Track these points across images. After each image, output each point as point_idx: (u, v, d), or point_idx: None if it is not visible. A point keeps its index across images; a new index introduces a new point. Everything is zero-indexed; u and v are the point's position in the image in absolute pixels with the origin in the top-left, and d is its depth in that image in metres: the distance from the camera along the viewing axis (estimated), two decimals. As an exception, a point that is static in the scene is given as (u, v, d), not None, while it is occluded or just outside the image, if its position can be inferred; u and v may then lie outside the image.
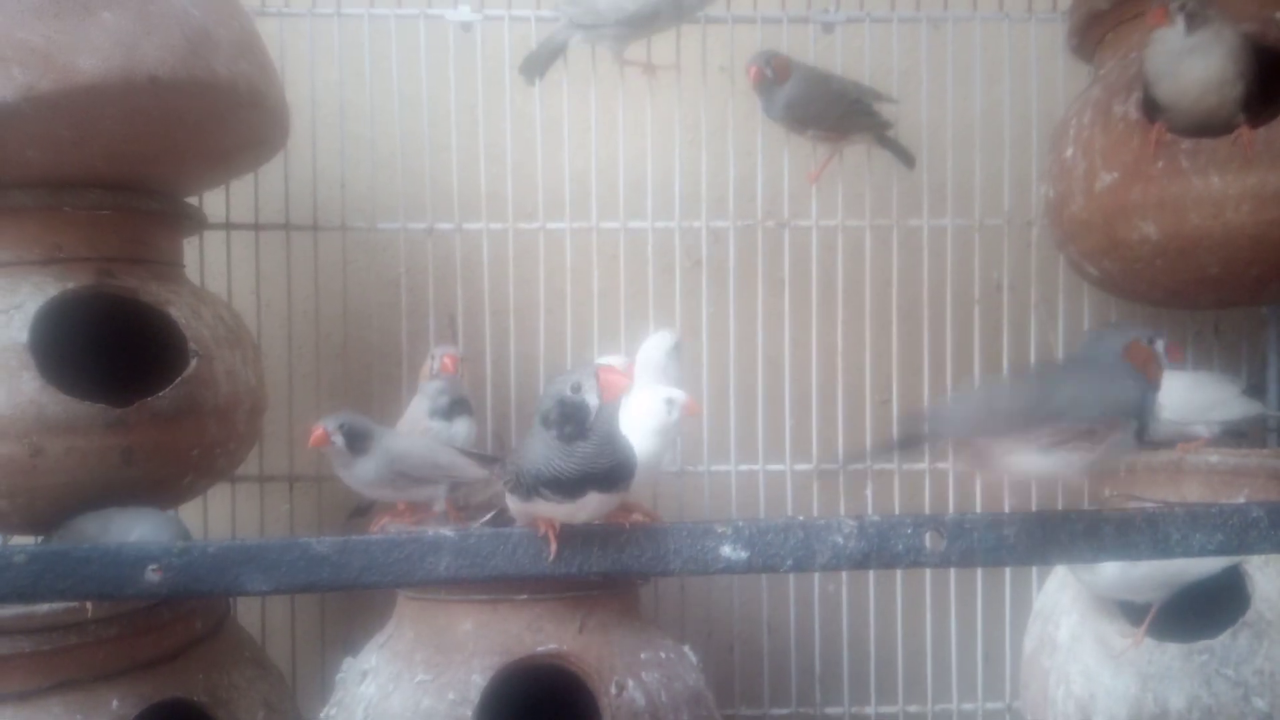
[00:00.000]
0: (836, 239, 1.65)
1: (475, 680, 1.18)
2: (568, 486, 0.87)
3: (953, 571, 1.64)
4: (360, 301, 1.68)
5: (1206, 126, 1.32)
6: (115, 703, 1.18)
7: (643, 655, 1.25)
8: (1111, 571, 1.27)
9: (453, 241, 1.63)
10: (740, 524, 0.86)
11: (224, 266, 1.60)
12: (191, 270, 1.49)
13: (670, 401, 1.27)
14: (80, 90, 1.13)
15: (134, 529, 1.19)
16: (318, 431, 1.28)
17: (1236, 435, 1.47)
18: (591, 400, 0.87)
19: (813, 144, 1.60)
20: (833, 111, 1.55)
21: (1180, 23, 1.30)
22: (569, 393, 0.88)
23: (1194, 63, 1.30)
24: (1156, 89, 1.34)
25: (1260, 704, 1.22)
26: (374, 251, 1.70)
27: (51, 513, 1.24)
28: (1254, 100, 1.32)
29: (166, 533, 1.20)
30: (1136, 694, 1.28)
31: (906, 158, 1.60)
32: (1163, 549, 0.89)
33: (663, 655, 1.28)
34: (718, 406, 1.63)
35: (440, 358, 1.41)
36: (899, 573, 1.65)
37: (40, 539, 1.27)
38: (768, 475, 1.65)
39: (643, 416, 1.27)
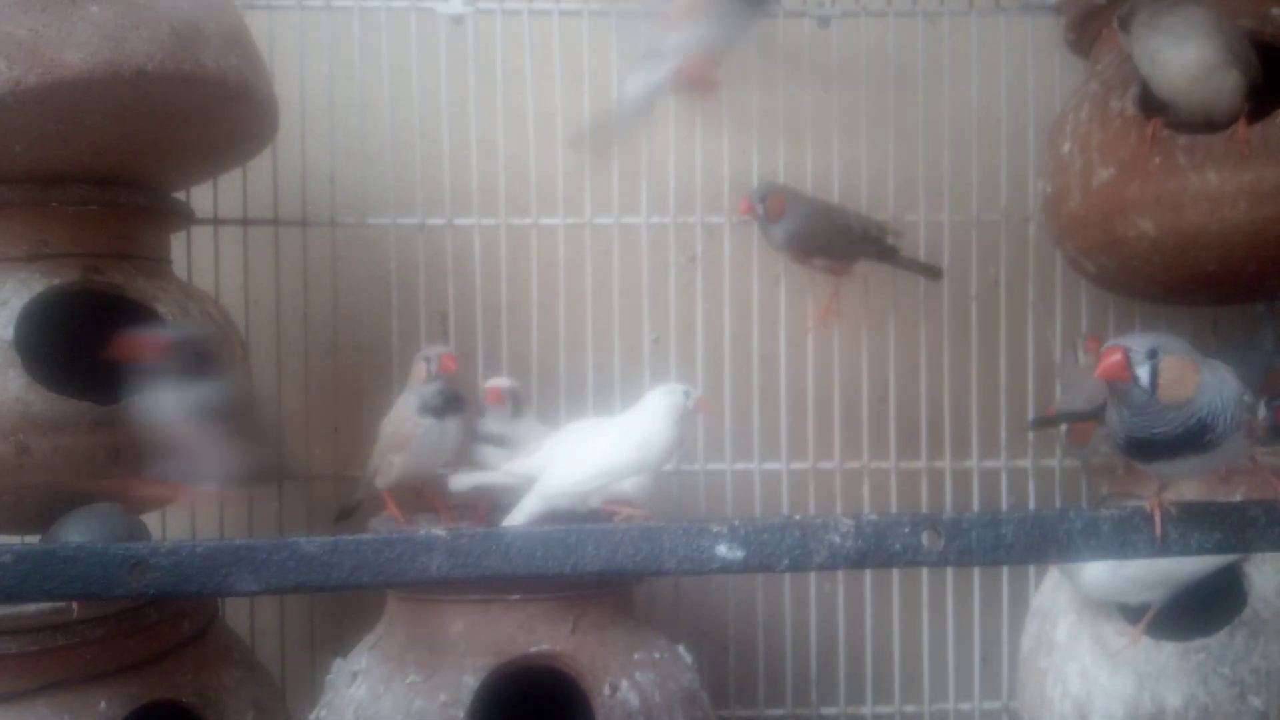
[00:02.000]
0: (832, 235, 1.65)
1: (467, 681, 1.18)
2: None
3: (950, 571, 1.64)
4: (350, 298, 1.67)
5: (1210, 120, 1.31)
6: (103, 704, 1.17)
7: (636, 655, 1.25)
8: (1100, 574, 1.27)
9: (444, 237, 1.62)
10: (736, 523, 0.85)
11: (211, 262, 1.58)
12: (179, 266, 1.48)
13: (687, 392, 1.31)
14: (67, 84, 1.12)
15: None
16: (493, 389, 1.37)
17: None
18: None
19: (816, 271, 1.59)
20: (838, 244, 1.54)
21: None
22: None
23: (1171, 52, 1.29)
24: (1151, 85, 1.33)
25: (1256, 702, 1.21)
26: (364, 247, 1.68)
27: (38, 512, 1.22)
28: (1261, 94, 1.31)
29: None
30: (1133, 693, 1.27)
31: (932, 272, 1.59)
32: (1161, 547, 0.88)
33: (657, 655, 1.27)
34: (713, 405, 1.60)
35: (438, 358, 1.40)
36: (895, 572, 1.64)
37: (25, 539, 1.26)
38: (763, 474, 1.64)
39: (661, 406, 1.29)
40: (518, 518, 1.31)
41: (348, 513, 1.50)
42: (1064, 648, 1.37)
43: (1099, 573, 1.28)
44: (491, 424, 1.46)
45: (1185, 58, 1.28)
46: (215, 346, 1.19)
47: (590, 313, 1.63)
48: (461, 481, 1.37)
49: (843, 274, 1.60)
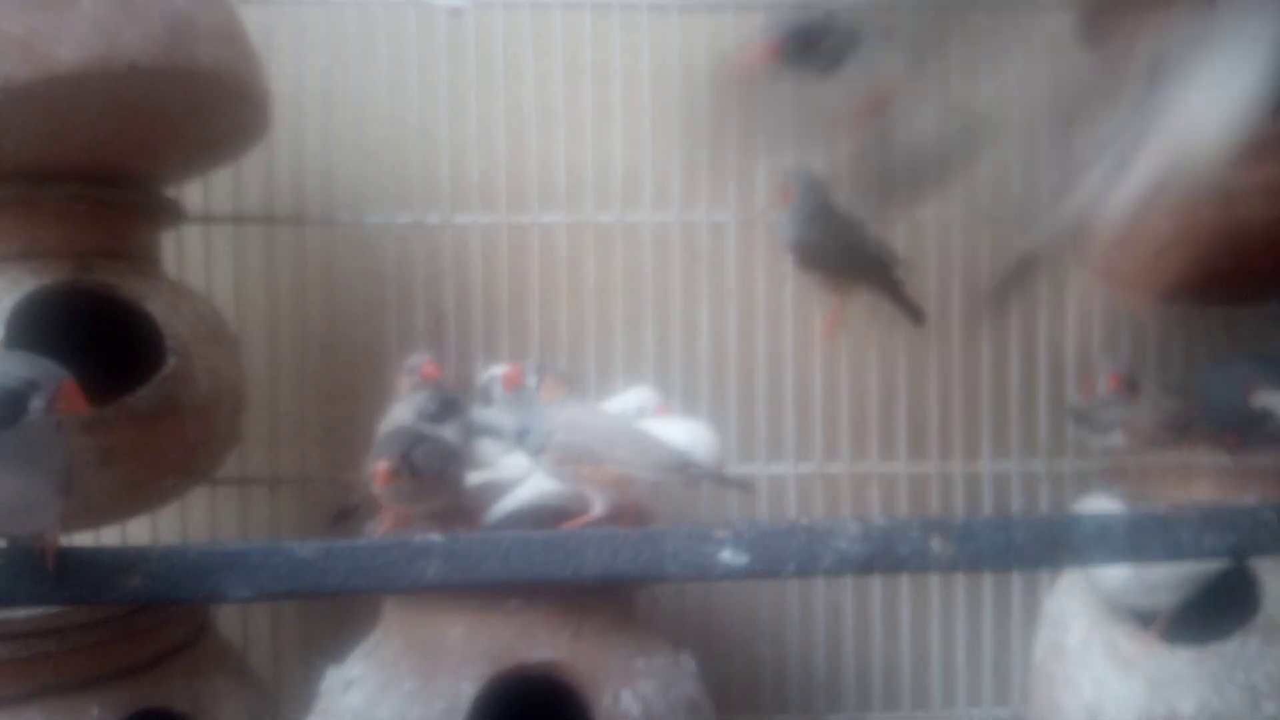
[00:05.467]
0: (840, 233, 1.64)
1: (465, 689, 1.16)
2: None
3: (960, 576, 1.64)
4: (346, 297, 1.66)
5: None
6: (95, 710, 1.17)
7: (638, 663, 1.23)
8: (1122, 576, 1.27)
9: (443, 235, 1.61)
10: (741, 527, 0.85)
11: (202, 260, 1.58)
12: (170, 265, 1.47)
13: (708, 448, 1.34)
14: (59, 80, 1.10)
15: None
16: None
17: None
18: None
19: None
20: (843, 264, 1.48)
21: None
22: None
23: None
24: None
25: (1271, 708, 1.21)
26: (361, 245, 1.67)
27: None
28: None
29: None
30: (1146, 700, 1.27)
31: (916, 315, 1.53)
32: (1174, 551, 0.90)
33: (659, 663, 1.25)
34: (717, 407, 1.61)
35: (419, 367, 1.40)
36: (905, 576, 1.63)
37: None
38: (769, 477, 1.64)
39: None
40: (507, 506, 1.30)
41: (346, 514, 1.49)
42: (1076, 653, 1.37)
43: (1119, 574, 1.28)
44: (482, 414, 1.46)
45: None
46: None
47: (593, 312, 1.63)
48: (470, 480, 1.36)
49: (843, 294, 1.57)
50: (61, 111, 1.14)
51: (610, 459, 1.18)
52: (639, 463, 1.19)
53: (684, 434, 1.32)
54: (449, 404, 1.40)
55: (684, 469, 1.20)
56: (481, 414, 1.47)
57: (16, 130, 1.15)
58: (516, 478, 1.35)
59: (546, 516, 1.28)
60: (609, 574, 0.87)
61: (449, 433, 1.38)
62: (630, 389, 1.47)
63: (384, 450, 1.21)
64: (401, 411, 1.39)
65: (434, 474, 1.22)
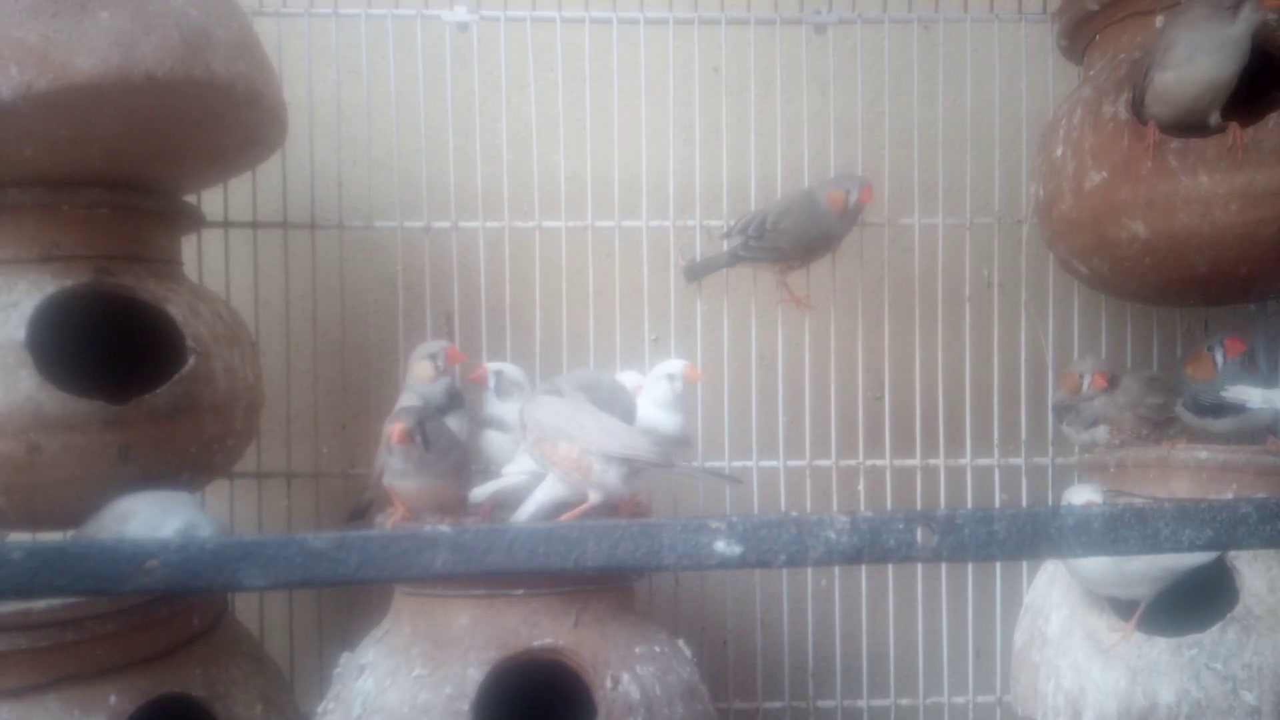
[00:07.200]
0: (829, 237, 1.66)
1: (472, 674, 1.19)
2: None
3: (944, 566, 1.67)
4: (357, 299, 1.69)
5: (1187, 124, 1.33)
6: (113, 698, 1.18)
7: (637, 649, 1.26)
8: (1104, 567, 1.28)
9: (449, 240, 1.64)
10: (734, 520, 0.86)
11: (222, 264, 1.60)
12: (190, 268, 1.49)
13: (671, 376, 1.35)
14: (77, 89, 1.13)
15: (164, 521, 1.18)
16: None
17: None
18: None
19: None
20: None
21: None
22: None
23: (1214, 59, 1.29)
24: (1162, 75, 1.32)
25: (1249, 697, 1.23)
26: (371, 250, 1.70)
27: (49, 510, 1.24)
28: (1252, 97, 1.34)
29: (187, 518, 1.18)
30: (1126, 688, 1.29)
31: None
32: (1152, 544, 0.89)
33: (657, 649, 1.28)
34: (712, 403, 1.64)
35: (443, 353, 1.42)
36: (890, 567, 1.67)
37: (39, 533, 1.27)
38: (761, 471, 1.66)
39: (651, 399, 1.34)
40: (528, 509, 1.33)
41: (360, 513, 1.51)
42: (1057, 642, 1.38)
43: (1102, 565, 1.28)
44: (487, 407, 1.50)
45: (1221, 70, 1.29)
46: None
47: (592, 314, 1.65)
48: (481, 491, 1.38)
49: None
50: (81, 119, 1.17)
51: (576, 440, 1.21)
52: (606, 446, 1.21)
53: (659, 397, 1.36)
54: (452, 397, 1.43)
55: (666, 465, 1.22)
56: (491, 408, 1.50)
57: (36, 137, 1.17)
58: (527, 484, 1.37)
59: (558, 513, 1.31)
60: (609, 564, 0.86)
61: (453, 424, 1.41)
62: (620, 373, 1.50)
63: (400, 416, 1.24)
64: (410, 399, 1.43)
65: (440, 449, 1.25)
